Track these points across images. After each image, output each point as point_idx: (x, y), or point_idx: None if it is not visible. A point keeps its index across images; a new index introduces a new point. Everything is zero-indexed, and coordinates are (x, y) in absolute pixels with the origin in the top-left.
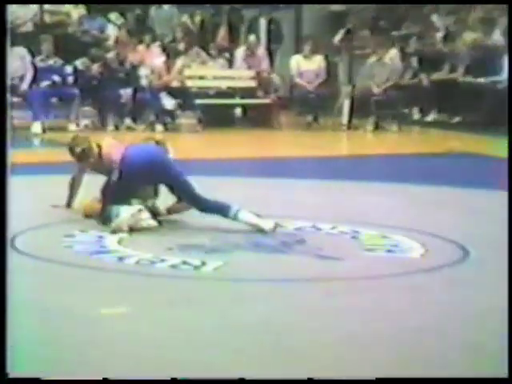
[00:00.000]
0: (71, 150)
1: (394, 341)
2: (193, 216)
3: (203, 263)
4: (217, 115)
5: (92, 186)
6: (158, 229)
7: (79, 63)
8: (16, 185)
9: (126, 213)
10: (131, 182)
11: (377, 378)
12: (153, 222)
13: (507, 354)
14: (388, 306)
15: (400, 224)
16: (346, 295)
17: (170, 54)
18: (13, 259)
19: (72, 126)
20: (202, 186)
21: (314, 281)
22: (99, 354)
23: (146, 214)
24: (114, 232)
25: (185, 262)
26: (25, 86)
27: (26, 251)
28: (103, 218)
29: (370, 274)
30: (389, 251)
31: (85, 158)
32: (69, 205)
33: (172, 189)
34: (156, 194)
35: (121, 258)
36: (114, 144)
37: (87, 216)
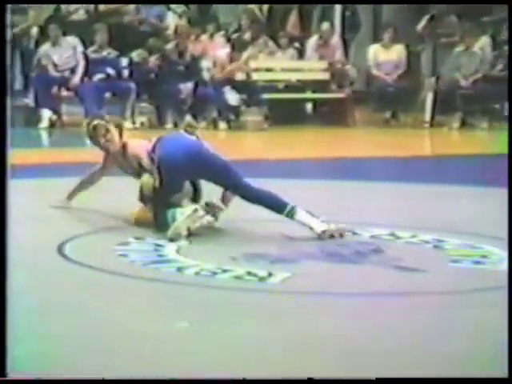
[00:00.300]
0: (87, 126)
1: (483, 361)
2: (258, 222)
3: (270, 274)
4: (285, 111)
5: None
6: (220, 236)
7: (135, 55)
8: (66, 186)
9: (182, 215)
10: (175, 179)
11: (377, 378)
12: (210, 218)
13: (507, 354)
14: (477, 324)
15: (490, 232)
16: (428, 311)
17: (235, 44)
18: (61, 268)
19: (127, 124)
20: (269, 189)
21: (392, 295)
22: (158, 373)
23: (201, 212)
24: (172, 238)
25: (249, 273)
26: (76, 79)
27: (75, 259)
28: (159, 225)
29: (456, 287)
30: (477, 262)
31: (96, 136)
32: (69, 198)
33: (217, 181)
34: (197, 192)
35: (180, 269)
36: (139, 142)
37: (138, 225)
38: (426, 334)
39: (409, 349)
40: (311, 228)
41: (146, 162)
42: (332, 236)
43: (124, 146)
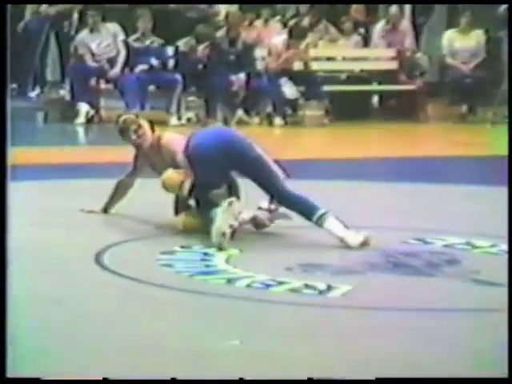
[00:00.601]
0: (116, 123)
1: None
2: (316, 228)
3: (329, 287)
4: (348, 105)
5: None
6: (274, 244)
7: (182, 44)
8: (105, 188)
9: (220, 213)
10: (208, 171)
11: (377, 378)
12: (251, 214)
13: (507, 354)
14: None
15: None
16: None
17: (293, 30)
18: (99, 278)
19: (173, 120)
20: (328, 192)
21: (468, 311)
22: None
23: (237, 204)
24: (218, 242)
25: (307, 286)
26: (116, 70)
27: (115, 269)
28: (207, 230)
29: None
30: None
31: (127, 132)
32: (105, 210)
33: (249, 176)
34: (232, 191)
35: (229, 280)
36: (174, 136)
37: (187, 232)
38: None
39: (486, 369)
40: (342, 239)
41: (180, 157)
42: (363, 244)
43: (158, 140)
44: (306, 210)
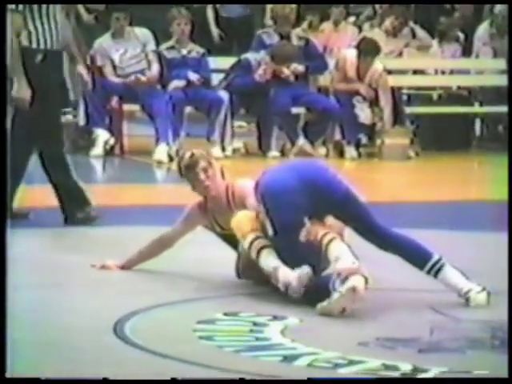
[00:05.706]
0: (179, 162)
1: None
2: (397, 291)
3: (415, 369)
4: (441, 133)
5: None
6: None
7: (252, 58)
8: (128, 238)
9: (338, 292)
10: (288, 215)
11: (377, 378)
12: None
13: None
14: None
15: None
16: None
17: (362, 43)
18: (119, 354)
19: (216, 151)
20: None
21: None
22: None
23: (364, 285)
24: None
25: (387, 366)
26: (146, 86)
27: (139, 342)
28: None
29: None
30: None
31: (193, 170)
32: (125, 267)
33: (342, 217)
34: None
35: (286, 358)
36: (248, 182)
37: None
38: None
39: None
40: (464, 294)
41: (251, 201)
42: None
43: (229, 188)
44: (417, 256)
